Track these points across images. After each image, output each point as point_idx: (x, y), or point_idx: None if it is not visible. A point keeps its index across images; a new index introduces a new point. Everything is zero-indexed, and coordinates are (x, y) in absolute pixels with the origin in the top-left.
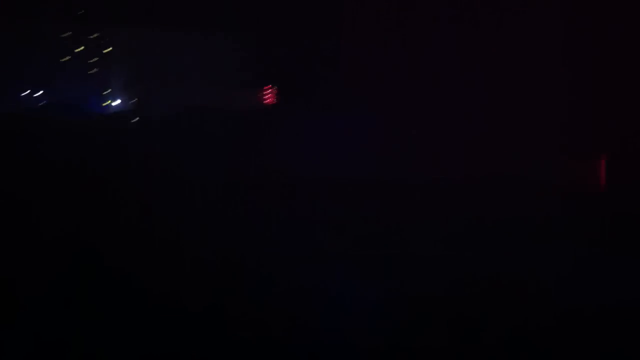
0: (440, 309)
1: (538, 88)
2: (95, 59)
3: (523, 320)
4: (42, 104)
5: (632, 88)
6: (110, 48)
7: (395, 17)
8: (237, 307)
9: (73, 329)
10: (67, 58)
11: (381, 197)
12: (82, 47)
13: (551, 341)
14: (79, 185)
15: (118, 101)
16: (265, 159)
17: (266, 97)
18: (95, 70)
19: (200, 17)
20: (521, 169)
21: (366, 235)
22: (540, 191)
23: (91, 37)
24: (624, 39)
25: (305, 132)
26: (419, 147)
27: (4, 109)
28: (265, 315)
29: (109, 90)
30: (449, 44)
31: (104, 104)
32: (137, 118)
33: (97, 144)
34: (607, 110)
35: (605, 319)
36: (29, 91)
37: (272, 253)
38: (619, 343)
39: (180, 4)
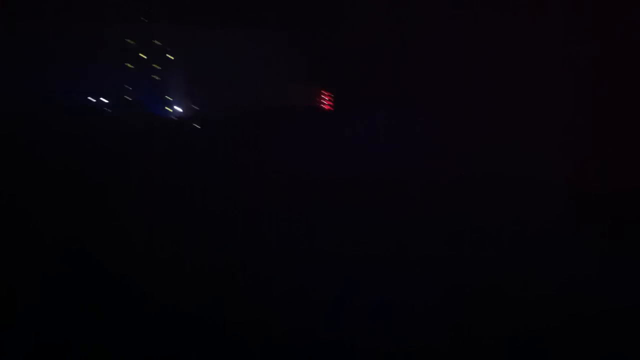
0: (441, 309)
1: (539, 87)
2: (158, 64)
3: (524, 320)
4: (104, 107)
5: (634, 88)
6: (173, 57)
7: (396, 16)
8: (237, 308)
9: (73, 331)
10: (131, 64)
11: (381, 197)
12: (145, 56)
13: (552, 342)
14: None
15: (178, 107)
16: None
17: (324, 101)
18: (157, 76)
19: (263, 17)
20: (522, 168)
21: (367, 236)
22: (541, 191)
23: (155, 42)
24: (626, 39)
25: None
26: (420, 147)
27: (66, 110)
28: (265, 316)
29: (171, 96)
30: (451, 43)
31: (166, 109)
32: (197, 124)
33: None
34: (608, 110)
35: (606, 319)
36: (89, 95)
37: (272, 253)
38: (620, 343)
39: (242, 5)
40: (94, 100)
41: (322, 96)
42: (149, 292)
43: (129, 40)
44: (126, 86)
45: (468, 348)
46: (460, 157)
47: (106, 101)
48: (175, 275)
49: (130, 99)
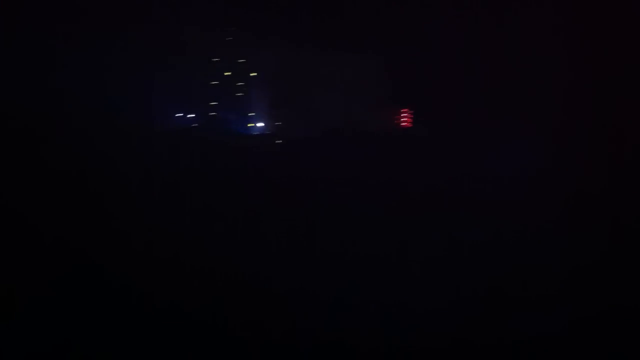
0: (441, 309)
1: (539, 87)
2: (242, 82)
3: (524, 320)
4: (193, 125)
5: (633, 88)
6: (255, 73)
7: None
8: (237, 308)
9: (73, 331)
10: (216, 82)
11: (382, 197)
12: (230, 73)
13: (552, 342)
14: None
15: (261, 123)
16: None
17: (402, 119)
18: (241, 93)
19: (340, 39)
20: (522, 168)
21: (367, 236)
22: (541, 191)
23: (239, 61)
24: (624, 39)
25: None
26: (419, 148)
27: (159, 128)
28: (265, 316)
29: (253, 113)
30: (452, 45)
31: (249, 125)
32: (280, 140)
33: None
34: (607, 111)
35: (606, 319)
36: (181, 113)
37: (272, 253)
38: (620, 343)
39: (322, 27)
40: (182, 115)
41: (402, 115)
42: (149, 292)
43: (214, 59)
44: (212, 103)
45: (468, 348)
46: (460, 157)
47: (193, 116)
48: (175, 275)
49: (215, 114)
